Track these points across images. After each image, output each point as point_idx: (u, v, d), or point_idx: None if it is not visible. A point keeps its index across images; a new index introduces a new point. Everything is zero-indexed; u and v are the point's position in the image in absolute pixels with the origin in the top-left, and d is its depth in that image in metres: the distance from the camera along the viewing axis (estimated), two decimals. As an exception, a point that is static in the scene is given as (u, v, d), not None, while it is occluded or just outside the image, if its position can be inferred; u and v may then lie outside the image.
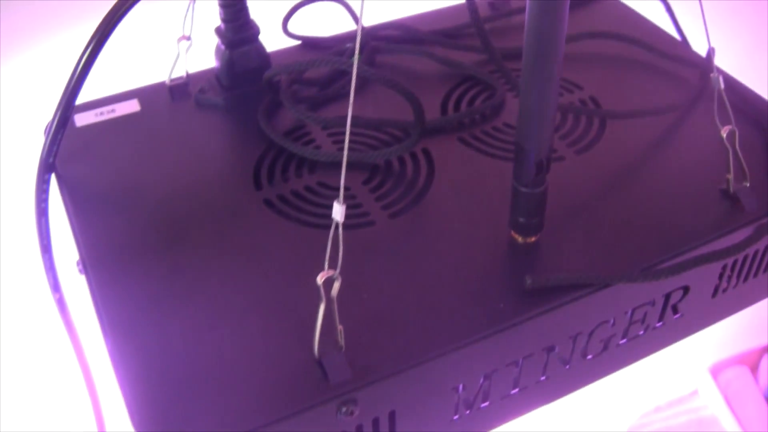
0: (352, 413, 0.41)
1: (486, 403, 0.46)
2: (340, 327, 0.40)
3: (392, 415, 0.43)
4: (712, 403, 1.54)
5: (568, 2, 0.39)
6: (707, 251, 0.47)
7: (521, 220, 0.46)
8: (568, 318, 0.45)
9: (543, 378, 0.48)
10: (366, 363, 0.41)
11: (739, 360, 1.58)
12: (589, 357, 0.49)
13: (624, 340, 0.50)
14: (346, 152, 0.38)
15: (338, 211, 0.39)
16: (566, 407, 1.14)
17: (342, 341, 0.41)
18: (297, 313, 0.43)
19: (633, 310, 0.48)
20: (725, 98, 0.50)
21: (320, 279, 0.39)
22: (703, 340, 1.51)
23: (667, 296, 0.49)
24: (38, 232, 0.50)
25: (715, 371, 1.55)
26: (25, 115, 0.69)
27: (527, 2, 0.39)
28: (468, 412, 0.46)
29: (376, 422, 0.42)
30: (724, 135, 0.49)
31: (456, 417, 0.46)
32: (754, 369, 1.58)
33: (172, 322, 0.43)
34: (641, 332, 0.50)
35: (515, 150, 0.44)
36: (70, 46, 0.65)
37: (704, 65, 0.59)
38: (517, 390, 0.47)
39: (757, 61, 1.02)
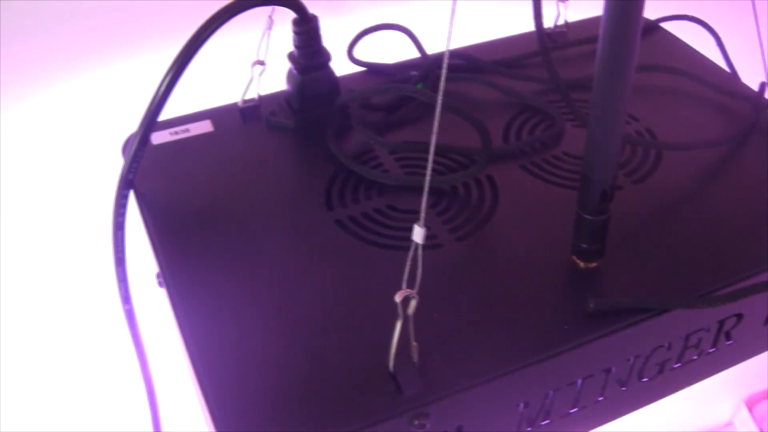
0: (423, 426, 0.42)
1: (547, 421, 0.48)
2: (414, 343, 0.43)
3: (460, 430, 0.45)
4: (746, 434, 1.54)
5: (639, 38, 0.41)
6: (761, 280, 0.49)
7: (584, 246, 0.48)
8: (627, 341, 0.47)
9: (601, 398, 0.50)
10: (438, 378, 0.43)
11: (775, 392, 1.58)
12: (645, 380, 0.51)
13: (678, 365, 0.52)
14: (428, 177, 0.40)
15: (419, 234, 0.41)
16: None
17: (416, 357, 0.43)
18: (369, 329, 0.45)
19: (688, 336, 0.50)
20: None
21: (399, 297, 0.41)
22: (739, 372, 1.51)
23: (721, 323, 0.51)
24: (114, 245, 0.52)
25: (751, 403, 1.56)
26: (98, 131, 0.72)
27: (600, 35, 0.41)
28: (530, 429, 0.48)
29: (444, 437, 0.44)
30: (781, 168, 0.51)
31: (519, 425, 0.47)
32: (790, 402, 1.58)
33: (249, 334, 0.45)
34: (695, 357, 0.52)
35: (581, 179, 0.46)
36: (148, 67, 0.68)
37: (756, 99, 0.61)
38: (576, 409, 0.49)
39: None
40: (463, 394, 0.43)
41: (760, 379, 1.55)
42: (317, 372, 0.43)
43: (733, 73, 0.67)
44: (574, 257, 0.49)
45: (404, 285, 0.41)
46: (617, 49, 0.42)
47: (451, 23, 0.39)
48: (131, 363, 0.58)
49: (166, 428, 0.64)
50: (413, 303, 0.41)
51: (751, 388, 1.55)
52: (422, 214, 0.40)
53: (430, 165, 0.40)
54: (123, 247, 0.53)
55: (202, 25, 0.50)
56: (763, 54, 0.61)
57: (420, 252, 0.41)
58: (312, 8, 0.57)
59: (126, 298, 0.55)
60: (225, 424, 0.42)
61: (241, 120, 0.61)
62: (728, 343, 0.53)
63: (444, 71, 0.39)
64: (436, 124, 0.39)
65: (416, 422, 0.42)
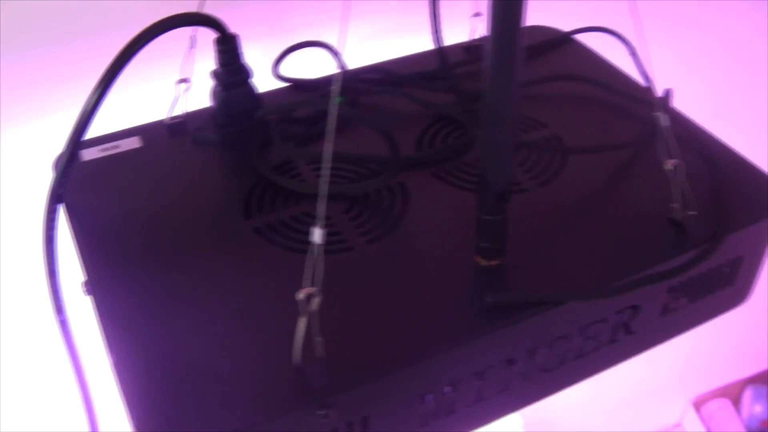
0: (327, 416, 0.45)
1: (452, 412, 0.51)
2: (319, 339, 0.45)
3: (365, 420, 0.47)
4: (696, 434, 1.58)
5: (521, 46, 0.45)
6: (652, 273, 0.52)
7: (485, 245, 0.51)
8: (525, 333, 0.50)
9: (505, 389, 0.53)
10: (341, 371, 0.46)
11: (722, 392, 1.62)
12: (548, 371, 0.54)
13: (580, 356, 0.55)
14: (326, 183, 0.43)
15: (318, 234, 0.44)
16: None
17: (321, 351, 0.46)
18: (282, 327, 0.47)
19: (587, 327, 0.53)
20: (670, 134, 0.55)
21: (302, 294, 0.44)
22: (686, 373, 1.56)
23: (619, 314, 0.54)
24: (45, 257, 0.54)
25: (698, 404, 1.60)
26: (29, 148, 0.74)
27: (486, 50, 0.45)
28: (435, 419, 0.51)
29: (350, 426, 0.47)
30: (670, 167, 0.55)
31: (424, 423, 0.50)
32: (736, 401, 1.62)
33: (168, 335, 0.48)
34: (596, 348, 0.55)
35: (479, 181, 0.49)
36: (77, 86, 0.71)
37: (659, 104, 0.65)
38: (480, 400, 0.52)
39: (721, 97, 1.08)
40: (365, 386, 0.46)
41: (707, 379, 1.59)
42: (231, 370, 0.46)
43: (648, 81, 0.71)
44: (477, 256, 0.52)
45: (306, 283, 0.44)
46: (501, 61, 0.45)
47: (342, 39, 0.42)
48: (67, 373, 0.60)
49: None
50: (316, 300, 0.44)
51: (698, 389, 1.59)
52: (320, 215, 0.43)
53: (326, 171, 0.43)
54: (54, 259, 0.55)
55: (126, 45, 0.53)
56: (641, 61, 0.65)
57: (321, 252, 0.44)
58: (253, 28, 0.60)
59: (59, 309, 0.57)
60: (142, 423, 0.44)
61: (169, 136, 0.64)
62: (628, 334, 0.56)
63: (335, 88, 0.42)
64: (331, 133, 0.42)
65: (320, 412, 0.45)
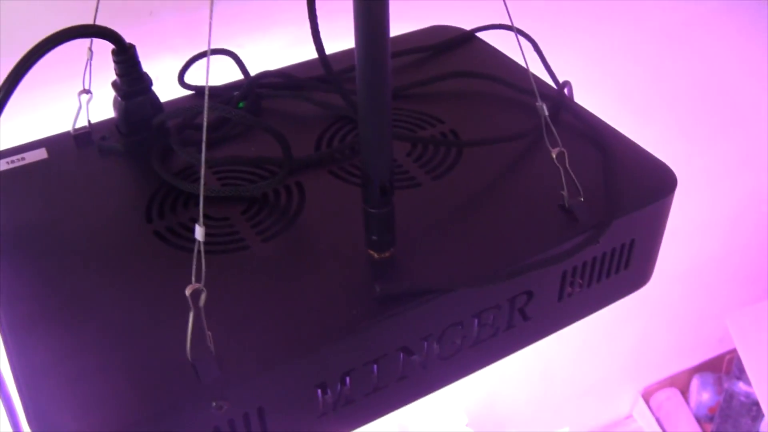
0: (221, 408, 0.46)
1: (350, 401, 0.52)
2: (209, 333, 0.47)
3: (261, 411, 0.49)
4: (647, 425, 1.60)
5: (389, 46, 0.46)
6: (538, 258, 0.54)
7: (374, 238, 0.53)
8: (418, 320, 0.52)
9: (402, 378, 0.54)
10: (234, 364, 0.47)
11: (670, 383, 1.64)
12: (446, 358, 0.55)
13: (478, 342, 0.56)
14: (202, 183, 0.45)
15: (199, 233, 0.45)
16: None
17: (211, 345, 0.47)
18: (177, 326, 0.48)
19: (480, 314, 0.55)
20: (550, 123, 0.57)
21: (188, 291, 0.45)
22: (633, 366, 1.58)
23: (512, 301, 0.56)
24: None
25: (647, 394, 1.62)
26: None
27: (355, 47, 0.46)
28: (333, 409, 0.52)
29: (246, 417, 0.48)
30: (554, 155, 0.56)
31: (322, 414, 0.52)
32: (685, 391, 1.65)
33: (65, 334, 0.49)
34: (494, 334, 0.57)
35: (361, 176, 0.51)
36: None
37: (555, 96, 0.67)
38: (378, 389, 0.53)
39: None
40: (257, 377, 0.47)
41: (654, 370, 1.61)
42: (127, 367, 0.47)
43: (552, 75, 0.73)
44: (369, 249, 0.54)
45: (193, 279, 0.45)
46: (370, 58, 0.46)
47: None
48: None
49: None
50: (203, 296, 0.46)
51: (646, 380, 1.61)
52: (200, 216, 0.45)
53: (202, 169, 0.44)
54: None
55: (22, 58, 0.54)
56: (543, 56, 0.67)
57: (202, 249, 0.45)
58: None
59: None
60: (35, 422, 0.45)
61: (75, 146, 0.65)
62: (525, 320, 0.57)
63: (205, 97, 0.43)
64: (204, 132, 0.43)
65: (214, 404, 0.46)
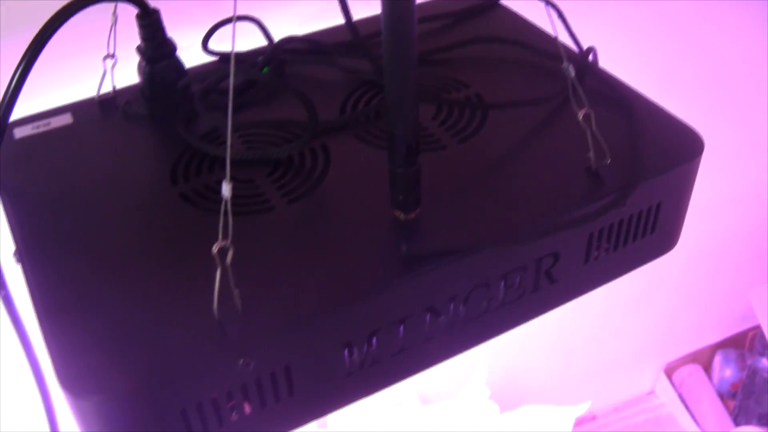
0: (248, 365, 0.47)
1: (376, 362, 0.52)
2: (236, 291, 0.47)
3: (288, 370, 0.49)
4: (669, 401, 1.60)
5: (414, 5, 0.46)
6: (564, 219, 0.54)
7: (400, 198, 0.53)
8: (443, 282, 0.52)
9: (428, 339, 0.54)
10: (259, 322, 0.47)
11: (693, 359, 1.64)
12: (472, 320, 0.55)
13: (503, 305, 0.56)
14: (229, 137, 0.45)
15: (226, 189, 0.45)
16: (526, 406, 1.20)
17: (238, 303, 0.47)
18: (205, 286, 0.49)
19: (506, 276, 0.55)
20: (578, 85, 0.56)
21: (215, 248, 0.46)
22: (657, 341, 1.57)
23: (538, 262, 0.56)
24: (-19, 233, 0.56)
25: (670, 371, 1.61)
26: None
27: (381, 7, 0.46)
28: (359, 369, 0.52)
29: (273, 376, 0.48)
30: (581, 117, 0.56)
31: (348, 374, 0.52)
32: (707, 367, 1.64)
33: (94, 295, 0.49)
34: (519, 297, 0.56)
35: (387, 136, 0.51)
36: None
37: (579, 60, 0.66)
38: (404, 349, 0.53)
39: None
40: (284, 335, 0.47)
41: (677, 346, 1.61)
42: (156, 327, 0.48)
43: (576, 41, 0.72)
44: (395, 210, 0.54)
45: (220, 237, 0.45)
46: (397, 14, 0.46)
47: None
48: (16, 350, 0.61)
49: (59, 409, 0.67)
50: (230, 253, 0.46)
51: (669, 356, 1.61)
52: (227, 169, 0.45)
53: (229, 125, 0.44)
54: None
55: (47, 22, 0.54)
56: (567, 22, 0.66)
57: (229, 206, 0.45)
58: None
59: (1, 284, 0.58)
60: (65, 380, 0.46)
61: (100, 112, 0.65)
62: (552, 282, 0.57)
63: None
64: (231, 92, 0.43)
65: (241, 361, 0.46)
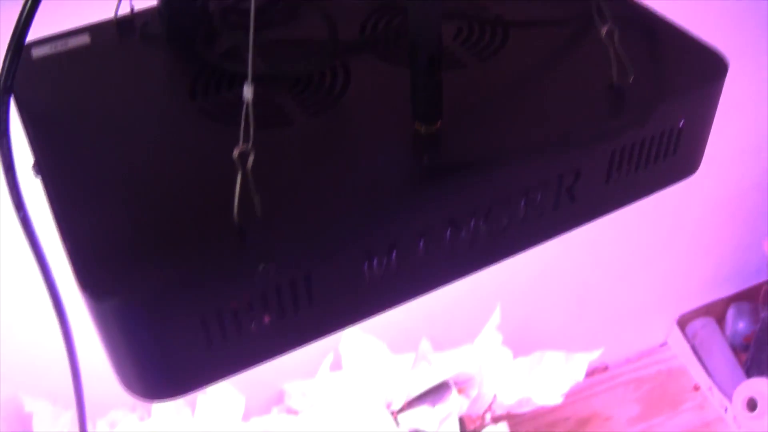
0: (267, 272, 0.46)
1: (395, 275, 0.52)
2: (256, 196, 0.47)
3: (308, 279, 0.49)
4: (681, 353, 1.60)
5: None
6: (585, 134, 0.53)
7: (421, 110, 0.52)
8: (464, 195, 0.51)
9: (448, 254, 0.54)
10: (279, 228, 0.47)
11: (706, 311, 1.63)
12: (491, 237, 0.55)
13: (523, 222, 0.56)
14: (252, 32, 0.44)
15: (248, 91, 0.45)
16: (539, 352, 1.20)
17: (259, 209, 0.47)
18: (225, 194, 0.48)
19: (527, 192, 0.54)
20: (601, 2, 0.56)
21: (236, 153, 0.45)
22: (670, 293, 1.57)
23: (560, 179, 0.55)
24: (1, 153, 0.55)
25: (683, 323, 1.61)
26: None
27: None
28: (379, 282, 0.52)
29: (293, 284, 0.48)
30: (603, 33, 0.55)
31: (368, 286, 0.51)
32: (720, 320, 1.64)
33: (113, 202, 0.49)
34: (540, 215, 0.56)
35: (409, 46, 0.50)
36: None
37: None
38: (424, 264, 0.53)
39: None
40: (304, 242, 0.47)
41: (690, 298, 1.61)
42: (174, 233, 0.47)
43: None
44: (416, 123, 0.53)
45: (241, 140, 0.45)
46: None
47: None
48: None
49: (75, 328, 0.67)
50: (251, 158, 0.45)
51: (682, 308, 1.61)
52: (249, 71, 0.44)
53: (252, 23, 0.44)
54: (10, 153, 0.56)
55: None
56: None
57: (251, 110, 0.45)
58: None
59: (19, 206, 0.58)
60: (87, 282, 0.46)
61: (117, 33, 0.64)
62: (572, 200, 0.57)
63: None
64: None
65: (261, 267, 0.46)
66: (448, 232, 0.53)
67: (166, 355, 0.48)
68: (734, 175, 1.43)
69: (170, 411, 1.09)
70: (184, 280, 0.45)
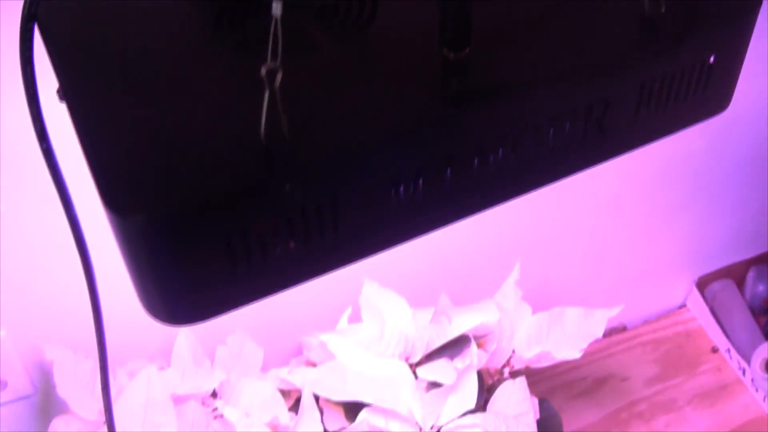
0: (293, 193, 0.46)
1: (422, 203, 0.52)
2: (284, 116, 0.46)
3: (334, 202, 0.48)
4: (700, 315, 1.59)
5: None
6: (615, 63, 0.52)
7: (449, 35, 0.52)
8: (492, 122, 0.51)
9: (476, 182, 0.53)
10: (307, 149, 0.46)
11: (726, 273, 1.62)
12: (518, 166, 0.54)
13: (551, 152, 0.55)
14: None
15: (277, 8, 0.44)
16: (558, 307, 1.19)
17: (286, 129, 0.46)
18: (251, 110, 0.48)
19: (556, 120, 0.53)
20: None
21: (264, 70, 0.45)
22: (690, 254, 1.56)
23: (589, 108, 0.54)
24: (24, 81, 0.55)
25: (702, 284, 1.60)
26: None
27: None
28: (405, 209, 0.51)
29: (319, 208, 0.48)
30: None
31: (394, 213, 0.51)
32: (740, 282, 1.63)
33: (138, 121, 0.49)
34: (568, 145, 0.55)
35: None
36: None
37: None
38: (451, 193, 0.52)
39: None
40: (330, 163, 0.47)
41: (710, 260, 1.59)
42: (201, 151, 0.47)
43: None
44: (445, 50, 0.52)
45: (269, 58, 0.44)
46: None
47: None
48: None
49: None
50: (279, 76, 0.45)
51: (702, 270, 1.59)
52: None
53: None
54: (35, 82, 0.55)
55: None
56: None
57: (280, 26, 0.44)
58: None
59: (42, 137, 0.57)
60: (113, 202, 0.45)
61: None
62: (601, 132, 0.56)
63: None
64: None
65: (288, 186, 0.46)
66: (476, 160, 0.52)
67: (189, 278, 0.47)
68: (758, 135, 1.41)
69: (189, 361, 1.09)
70: (210, 199, 0.45)
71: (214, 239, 0.46)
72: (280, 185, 0.45)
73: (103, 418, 1.02)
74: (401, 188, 0.50)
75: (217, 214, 0.45)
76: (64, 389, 1.01)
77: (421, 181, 0.50)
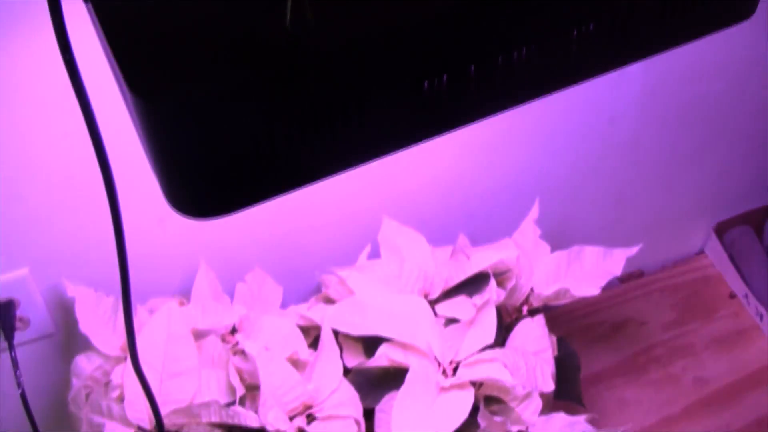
0: (320, 79, 0.46)
1: (446, 99, 0.52)
2: (309, 3, 0.46)
3: (357, 92, 0.48)
4: (718, 261, 1.58)
5: None
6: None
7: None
8: (515, 18, 0.51)
9: (499, 80, 0.53)
10: (333, 36, 0.46)
11: (744, 219, 1.62)
12: (543, 64, 0.54)
13: (575, 53, 0.55)
14: None
15: None
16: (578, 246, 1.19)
17: (311, 16, 0.46)
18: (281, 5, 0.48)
19: (581, 18, 0.53)
20: None
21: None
22: (709, 199, 1.55)
23: (613, 8, 0.54)
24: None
25: (720, 230, 1.60)
26: None
27: None
28: (429, 105, 0.51)
29: (344, 97, 0.48)
30: None
31: (418, 107, 0.51)
32: (759, 228, 1.62)
33: (164, 12, 0.49)
34: (593, 46, 0.55)
35: None
36: None
37: None
38: (475, 90, 0.52)
39: None
40: (356, 51, 0.47)
41: (729, 206, 1.59)
42: (227, 40, 0.47)
43: None
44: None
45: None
46: None
47: None
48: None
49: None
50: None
51: (720, 215, 1.59)
52: None
53: None
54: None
55: None
56: None
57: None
58: None
59: (65, 48, 0.57)
60: (139, 88, 0.45)
61: None
62: (624, 33, 0.56)
63: None
64: None
65: (313, 74, 0.46)
66: (500, 58, 0.52)
67: (215, 167, 0.47)
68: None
69: (209, 297, 1.09)
70: (237, 85, 0.45)
71: (239, 127, 0.46)
72: (306, 72, 0.45)
73: (124, 354, 1.03)
74: (425, 84, 0.50)
75: (242, 101, 0.45)
76: (85, 325, 1.02)
77: (445, 77, 0.50)
